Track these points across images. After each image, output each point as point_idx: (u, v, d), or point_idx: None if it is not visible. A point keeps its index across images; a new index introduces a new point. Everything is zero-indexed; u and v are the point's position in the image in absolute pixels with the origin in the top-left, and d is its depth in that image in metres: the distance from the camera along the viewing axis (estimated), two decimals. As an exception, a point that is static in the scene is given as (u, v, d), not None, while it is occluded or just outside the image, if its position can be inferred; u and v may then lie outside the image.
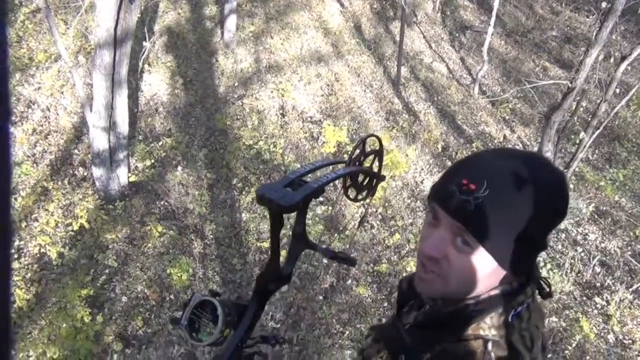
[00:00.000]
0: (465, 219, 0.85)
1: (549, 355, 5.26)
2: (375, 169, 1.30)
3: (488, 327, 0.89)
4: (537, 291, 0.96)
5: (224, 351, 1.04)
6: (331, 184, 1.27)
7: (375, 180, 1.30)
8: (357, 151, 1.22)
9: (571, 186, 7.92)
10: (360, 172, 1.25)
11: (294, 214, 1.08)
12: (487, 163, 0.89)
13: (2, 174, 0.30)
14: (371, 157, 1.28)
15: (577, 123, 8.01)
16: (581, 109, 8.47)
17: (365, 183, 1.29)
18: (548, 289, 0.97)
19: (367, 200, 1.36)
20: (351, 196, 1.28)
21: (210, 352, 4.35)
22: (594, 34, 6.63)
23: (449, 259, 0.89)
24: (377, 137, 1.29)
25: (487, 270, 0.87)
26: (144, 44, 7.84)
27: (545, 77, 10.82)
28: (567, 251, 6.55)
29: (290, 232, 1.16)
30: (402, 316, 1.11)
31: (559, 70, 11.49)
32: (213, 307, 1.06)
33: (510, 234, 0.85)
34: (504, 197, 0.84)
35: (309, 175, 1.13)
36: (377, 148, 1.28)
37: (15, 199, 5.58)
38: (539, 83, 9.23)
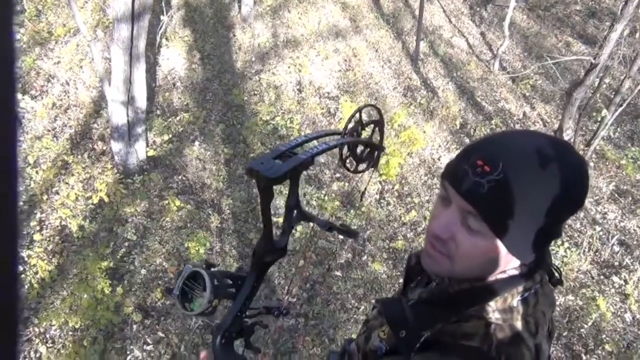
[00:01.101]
0: (476, 202, 0.83)
1: (564, 333, 5.27)
2: (377, 140, 1.28)
3: (492, 310, 0.88)
4: (547, 277, 0.95)
5: (223, 320, 1.07)
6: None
7: (376, 152, 1.28)
8: (353, 122, 1.21)
9: (591, 164, 7.82)
10: (354, 143, 1.22)
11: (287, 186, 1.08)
12: (506, 145, 0.85)
13: (9, 181, 0.30)
14: (370, 127, 1.26)
15: (600, 100, 7.85)
16: (604, 86, 8.30)
17: (365, 154, 1.27)
18: (559, 276, 0.96)
19: (370, 172, 1.33)
20: (350, 168, 1.27)
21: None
22: (620, 8, 6.46)
23: (457, 241, 0.88)
24: (374, 107, 1.27)
25: (495, 255, 0.86)
26: (162, 18, 7.82)
27: (567, 53, 10.60)
28: (585, 230, 6.49)
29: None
30: (407, 291, 1.11)
31: (582, 46, 11.24)
32: (204, 278, 1.07)
33: (522, 221, 0.82)
34: (520, 182, 0.80)
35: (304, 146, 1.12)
36: (376, 119, 1.26)
37: (37, 172, 5.66)
38: (561, 59, 9.06)
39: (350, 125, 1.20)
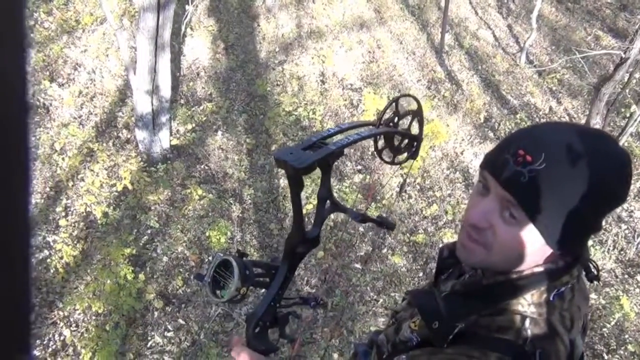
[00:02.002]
0: (517, 192, 0.82)
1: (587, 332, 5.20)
2: (415, 131, 1.25)
3: (527, 303, 0.87)
4: (583, 272, 0.94)
5: (256, 309, 1.08)
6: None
7: (415, 143, 1.25)
8: (390, 112, 1.18)
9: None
10: (389, 134, 1.20)
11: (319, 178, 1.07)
12: (548, 135, 0.84)
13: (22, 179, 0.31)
14: (408, 118, 1.23)
15: (629, 96, 7.68)
16: (634, 81, 8.11)
17: (404, 145, 1.24)
18: (596, 272, 0.94)
19: (407, 163, 1.31)
20: (387, 159, 1.25)
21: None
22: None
23: (495, 230, 0.87)
24: (411, 96, 1.24)
25: (533, 246, 0.85)
26: (187, 7, 7.86)
27: (597, 47, 10.39)
28: (610, 228, 6.38)
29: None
30: (439, 283, 1.10)
31: (612, 40, 10.99)
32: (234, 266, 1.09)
33: (562, 213, 0.81)
34: (561, 173, 0.80)
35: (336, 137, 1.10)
36: (413, 109, 1.22)
37: (63, 159, 5.75)
38: (590, 53, 8.88)
39: (386, 116, 1.18)
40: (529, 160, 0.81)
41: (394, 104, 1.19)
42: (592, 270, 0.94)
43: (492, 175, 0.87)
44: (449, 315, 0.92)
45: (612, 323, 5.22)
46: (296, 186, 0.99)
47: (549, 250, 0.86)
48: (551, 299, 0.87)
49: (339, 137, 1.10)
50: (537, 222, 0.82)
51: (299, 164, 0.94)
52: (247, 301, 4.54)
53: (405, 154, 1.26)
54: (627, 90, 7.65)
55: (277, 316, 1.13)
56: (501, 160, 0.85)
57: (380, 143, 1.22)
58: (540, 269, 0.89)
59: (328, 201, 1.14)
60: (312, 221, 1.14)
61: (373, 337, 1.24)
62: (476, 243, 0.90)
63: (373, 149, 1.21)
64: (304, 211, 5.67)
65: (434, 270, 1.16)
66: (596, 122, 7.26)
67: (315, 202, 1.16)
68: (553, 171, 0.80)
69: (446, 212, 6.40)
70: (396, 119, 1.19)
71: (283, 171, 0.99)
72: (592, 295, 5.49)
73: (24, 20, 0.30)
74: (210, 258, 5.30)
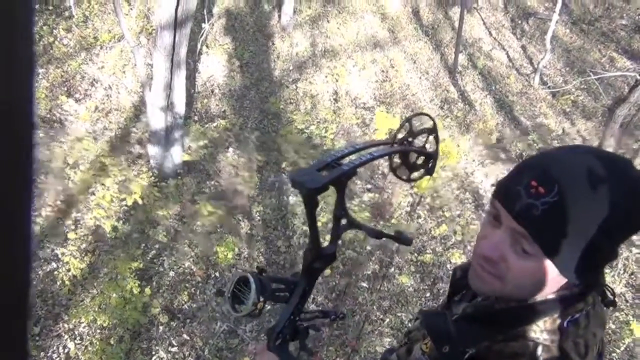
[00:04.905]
0: (530, 224, 0.80)
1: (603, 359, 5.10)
2: (430, 148, 1.25)
3: (540, 330, 0.86)
4: (599, 298, 0.92)
5: (277, 322, 1.14)
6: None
7: (431, 160, 1.25)
8: (404, 131, 1.19)
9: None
10: (404, 152, 1.21)
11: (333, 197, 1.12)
12: (561, 164, 0.81)
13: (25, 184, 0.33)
14: (423, 136, 1.23)
15: (643, 118, 7.63)
16: (649, 104, 8.06)
17: (419, 163, 1.25)
18: (612, 297, 0.92)
19: (420, 180, 1.32)
20: (403, 177, 1.26)
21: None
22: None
23: (508, 262, 0.86)
24: (426, 114, 1.25)
25: (547, 277, 0.84)
26: (203, 25, 8.00)
27: (611, 69, 10.33)
28: (621, 252, 6.26)
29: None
30: (452, 305, 1.10)
31: (627, 62, 10.95)
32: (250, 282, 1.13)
33: (577, 245, 0.79)
34: (575, 204, 0.77)
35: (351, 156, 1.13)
36: (429, 127, 1.23)
37: (75, 172, 5.85)
38: (605, 74, 8.85)
39: (401, 135, 1.19)
40: (542, 192, 0.79)
41: (407, 123, 1.20)
42: (609, 295, 0.92)
43: (504, 207, 0.85)
44: (460, 339, 0.92)
45: (622, 348, 5.12)
46: (310, 205, 1.04)
47: (563, 280, 0.85)
48: (565, 325, 0.86)
49: (353, 156, 1.12)
50: (551, 254, 0.81)
51: (312, 185, 0.98)
52: (253, 318, 4.53)
53: (422, 171, 1.27)
54: (641, 113, 7.60)
55: (297, 329, 1.17)
56: (513, 192, 0.83)
57: (396, 161, 1.24)
58: (554, 296, 0.88)
59: (344, 219, 1.18)
60: (325, 238, 1.17)
61: (386, 356, 1.25)
62: (490, 274, 0.89)
63: (387, 168, 1.23)
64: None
65: (447, 291, 1.16)
66: (610, 144, 7.21)
67: (322, 219, 1.19)
68: (567, 203, 0.77)
69: (455, 233, 6.37)
70: (410, 137, 1.21)
71: (292, 189, 1.04)
72: (603, 320, 5.39)
73: (33, 41, 0.33)
74: (216, 274, 5.33)
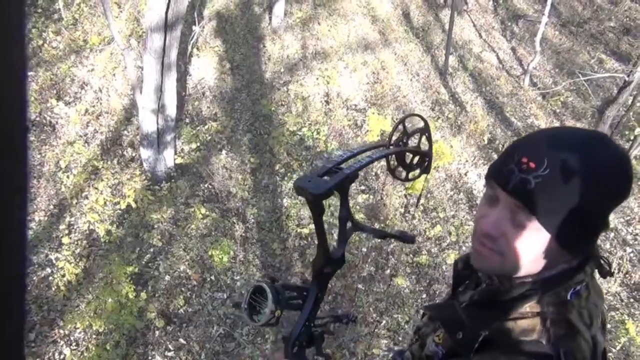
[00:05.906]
0: (525, 198, 0.86)
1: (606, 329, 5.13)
2: (424, 147, 1.31)
3: (546, 304, 0.90)
4: (596, 270, 0.96)
5: (293, 329, 1.14)
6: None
7: (426, 159, 1.31)
8: (398, 133, 1.24)
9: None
10: (400, 153, 1.26)
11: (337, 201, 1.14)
12: (548, 141, 0.88)
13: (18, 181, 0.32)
14: (417, 136, 1.29)
15: (633, 118, 7.70)
16: (638, 104, 8.13)
17: (415, 162, 1.30)
18: (608, 267, 0.96)
19: (422, 179, 1.35)
20: (401, 177, 1.30)
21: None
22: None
23: (507, 237, 0.90)
24: (418, 115, 1.30)
25: (545, 248, 0.88)
26: (194, 28, 7.96)
27: (600, 70, 10.44)
28: (615, 251, 6.34)
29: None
30: (457, 296, 1.13)
31: (615, 63, 11.06)
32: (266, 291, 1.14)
33: (570, 214, 0.85)
34: (565, 176, 0.83)
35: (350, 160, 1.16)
36: (421, 127, 1.29)
37: (67, 176, 5.78)
38: (594, 76, 8.92)
39: (395, 137, 1.24)
40: (533, 167, 0.85)
41: (401, 124, 1.24)
42: (605, 266, 0.96)
43: (499, 185, 0.90)
44: (472, 324, 0.95)
45: (618, 347, 5.15)
46: (317, 211, 1.05)
47: (561, 252, 0.89)
48: (569, 297, 0.90)
49: (352, 160, 1.15)
50: (547, 225, 0.86)
51: (317, 191, 1.00)
52: (248, 322, 4.50)
53: (418, 170, 1.31)
54: (631, 113, 7.69)
55: (313, 335, 1.18)
56: (507, 170, 0.89)
57: (392, 162, 1.27)
58: (555, 271, 0.92)
59: (349, 222, 1.19)
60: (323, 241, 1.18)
61: (395, 357, 1.27)
62: (491, 251, 0.93)
63: (380, 169, 1.25)
64: (308, 231, 5.67)
65: (443, 292, 1.19)
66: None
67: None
68: (557, 175, 0.83)
69: (450, 233, 6.37)
70: (405, 138, 1.25)
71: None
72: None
73: (24, 44, 0.31)
74: (212, 277, 5.29)
